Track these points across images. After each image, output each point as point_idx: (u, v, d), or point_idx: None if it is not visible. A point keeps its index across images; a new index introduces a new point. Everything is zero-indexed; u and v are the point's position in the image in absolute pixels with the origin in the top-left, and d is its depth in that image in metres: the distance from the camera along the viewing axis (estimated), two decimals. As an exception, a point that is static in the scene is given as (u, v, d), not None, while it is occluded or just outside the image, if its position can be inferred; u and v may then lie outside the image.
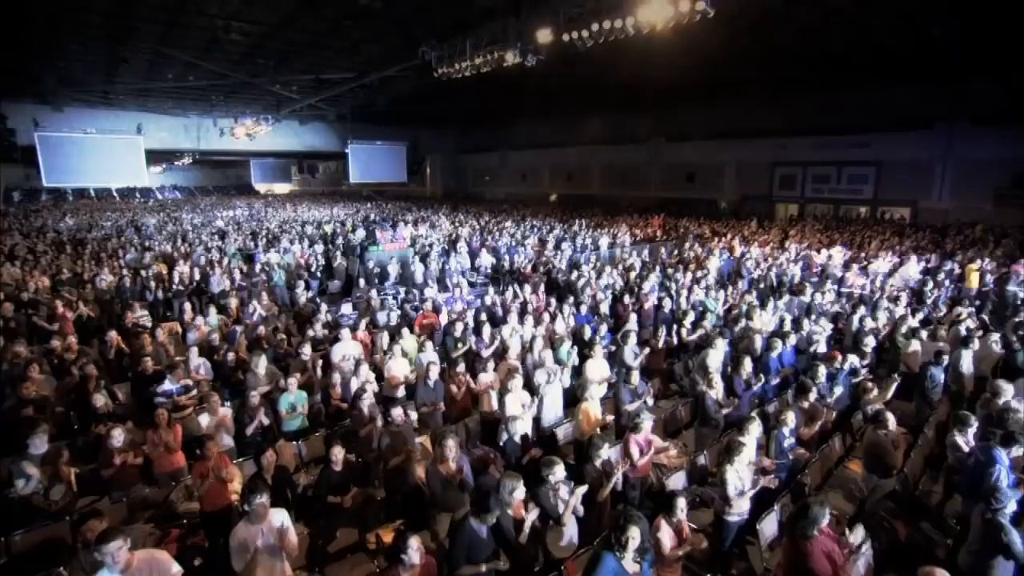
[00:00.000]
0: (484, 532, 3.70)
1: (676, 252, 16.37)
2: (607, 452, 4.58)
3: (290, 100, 31.45)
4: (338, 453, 4.91)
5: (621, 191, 33.45)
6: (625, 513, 3.31)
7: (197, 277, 13.52)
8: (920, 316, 8.63)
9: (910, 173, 21.86)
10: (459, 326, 8.08)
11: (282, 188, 60.83)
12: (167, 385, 6.67)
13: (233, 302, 10.79)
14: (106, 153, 30.34)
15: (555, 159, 37.90)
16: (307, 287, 14.63)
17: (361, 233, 19.76)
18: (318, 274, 15.07)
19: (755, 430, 4.96)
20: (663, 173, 31.24)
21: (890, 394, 6.43)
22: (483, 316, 9.09)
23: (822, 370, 6.39)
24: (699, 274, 12.18)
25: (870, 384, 6.52)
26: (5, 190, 43.24)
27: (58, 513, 5.02)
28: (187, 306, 10.32)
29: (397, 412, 5.34)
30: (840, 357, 6.77)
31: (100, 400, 6.13)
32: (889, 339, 8.13)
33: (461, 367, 7.14)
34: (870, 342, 7.64)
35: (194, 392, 6.87)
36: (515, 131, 38.73)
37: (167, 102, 32.02)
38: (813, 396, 5.81)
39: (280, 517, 4.05)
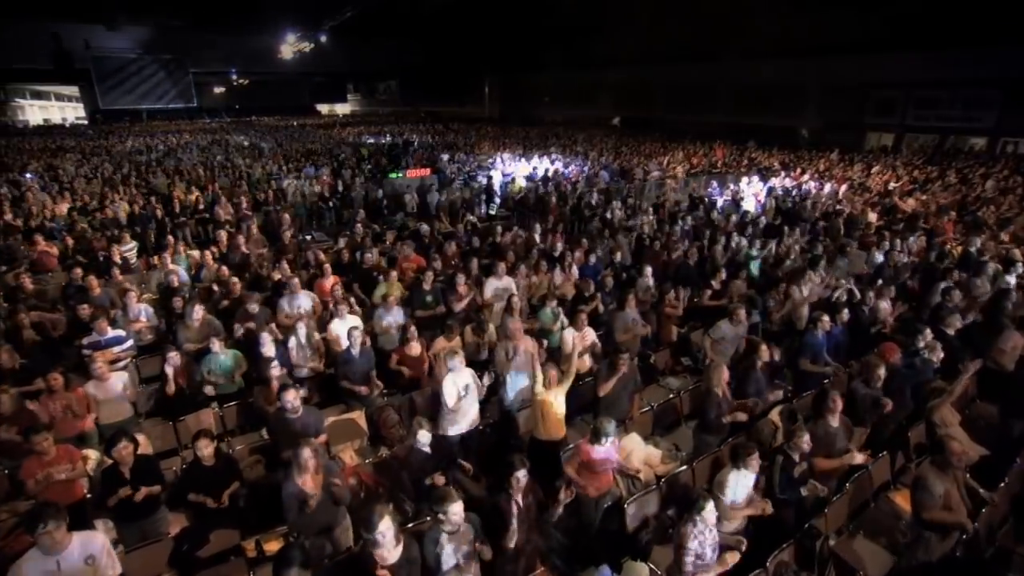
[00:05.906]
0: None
1: (730, 187, 14.08)
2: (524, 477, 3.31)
3: (331, 12, 29.99)
4: (206, 447, 3.94)
5: (687, 115, 30.03)
6: None
7: (202, 205, 12.87)
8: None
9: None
10: (429, 275, 6.80)
11: (342, 108, 60.34)
12: (94, 336, 5.94)
13: (223, 234, 9.93)
14: (155, 74, 30.37)
15: (614, 78, 34.51)
16: (319, 216, 13.84)
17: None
18: (331, 204, 14.09)
19: (754, 463, 3.52)
20: (735, 95, 27.58)
21: (957, 392, 4.66)
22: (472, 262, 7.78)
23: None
24: (747, 217, 10.17)
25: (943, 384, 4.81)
26: (91, 112, 45.16)
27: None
28: (170, 239, 9.58)
29: (290, 396, 4.21)
30: (898, 354, 4.92)
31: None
32: (984, 318, 6.15)
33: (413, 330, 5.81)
34: (954, 323, 5.75)
35: (128, 344, 6.12)
36: (572, 48, 35.34)
37: (213, 20, 31.36)
38: (835, 419, 4.06)
39: (91, 546, 3.15)
